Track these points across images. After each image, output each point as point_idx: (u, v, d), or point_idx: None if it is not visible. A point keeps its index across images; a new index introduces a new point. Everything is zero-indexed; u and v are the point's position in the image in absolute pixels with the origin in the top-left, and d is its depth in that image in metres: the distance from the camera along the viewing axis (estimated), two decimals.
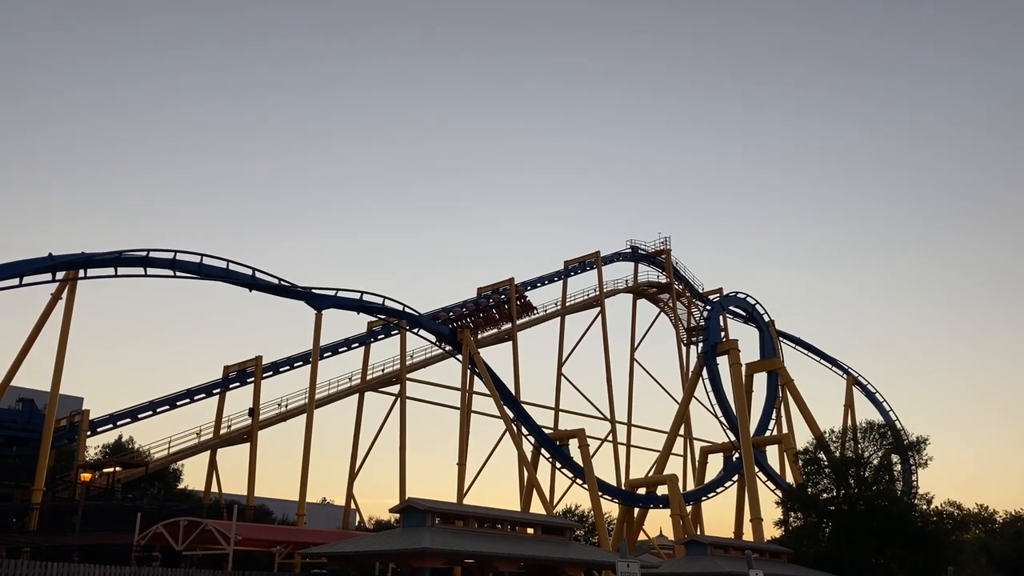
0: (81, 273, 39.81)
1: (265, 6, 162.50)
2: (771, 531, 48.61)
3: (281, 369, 50.66)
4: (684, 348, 72.09)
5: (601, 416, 64.86)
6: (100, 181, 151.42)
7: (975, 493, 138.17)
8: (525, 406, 55.71)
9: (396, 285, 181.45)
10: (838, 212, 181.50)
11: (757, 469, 54.79)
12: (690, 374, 63.82)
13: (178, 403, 46.55)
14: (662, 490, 53.21)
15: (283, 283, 45.43)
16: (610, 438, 65.08)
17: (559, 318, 65.33)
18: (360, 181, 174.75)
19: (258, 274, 44.64)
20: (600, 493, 51.43)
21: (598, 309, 67.09)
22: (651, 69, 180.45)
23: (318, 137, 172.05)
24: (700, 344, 61.42)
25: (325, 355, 50.69)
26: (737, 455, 55.98)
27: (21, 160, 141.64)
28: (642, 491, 55.22)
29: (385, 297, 49.92)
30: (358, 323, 54.31)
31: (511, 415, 53.03)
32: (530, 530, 33.69)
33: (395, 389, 54.56)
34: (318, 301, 46.54)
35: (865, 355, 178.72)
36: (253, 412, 47.25)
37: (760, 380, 65.06)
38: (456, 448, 52.52)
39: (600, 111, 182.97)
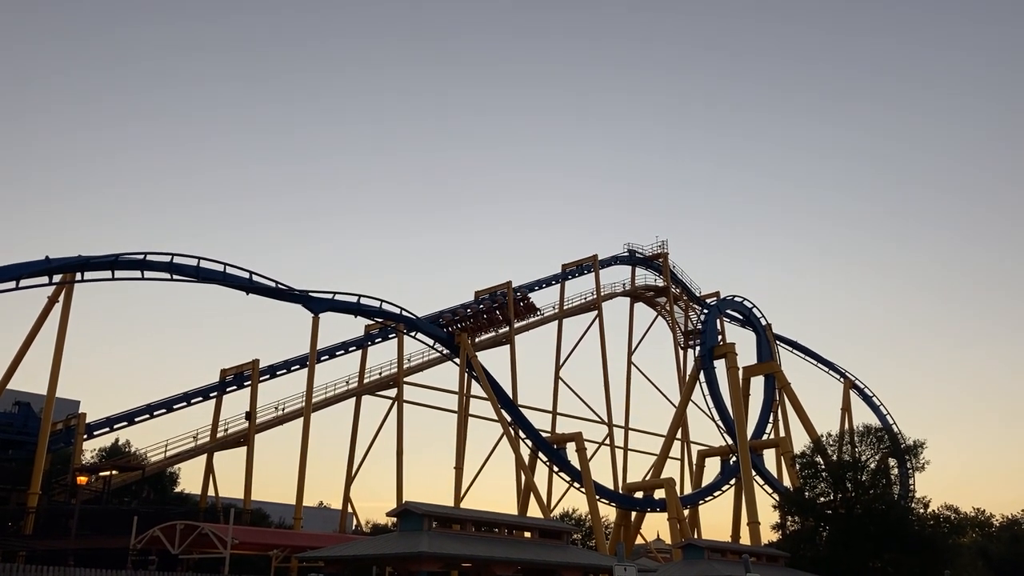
0: (78, 276, 39.78)
1: (260, 9, 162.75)
2: (768, 535, 48.66)
3: (278, 372, 50.57)
4: (681, 351, 72.12)
5: (598, 420, 64.95)
6: (98, 184, 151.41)
7: (972, 497, 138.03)
8: (523, 410, 55.76)
9: (393, 288, 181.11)
10: (835, 216, 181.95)
11: (754, 473, 54.84)
12: (687, 377, 63.81)
13: (175, 406, 46.40)
14: (659, 494, 53.25)
15: (280, 286, 45.43)
16: (607, 442, 65.15)
17: (556, 321, 65.42)
18: (358, 185, 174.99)
19: (255, 277, 44.66)
20: (597, 497, 51.44)
21: (595, 312, 67.17)
22: (648, 74, 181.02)
23: (316, 141, 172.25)
24: (697, 347, 61.42)
25: (322, 358, 50.70)
26: (734, 459, 56.00)
27: (19, 162, 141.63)
28: (639, 495, 55.24)
29: (382, 300, 50.04)
30: (355, 326, 54.27)
31: (508, 419, 53.05)
32: (527, 534, 33.69)
33: (392, 393, 54.54)
34: (315, 304, 46.56)
35: (862, 359, 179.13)
36: (250, 415, 47.14)
37: (757, 384, 65.08)
38: (453, 452, 52.60)
39: (598, 115, 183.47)
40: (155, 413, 45.55)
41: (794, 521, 44.63)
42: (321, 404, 50.55)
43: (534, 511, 51.36)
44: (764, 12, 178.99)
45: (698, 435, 69.28)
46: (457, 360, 54.38)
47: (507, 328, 59.98)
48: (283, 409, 49.04)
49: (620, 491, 57.39)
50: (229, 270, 43.80)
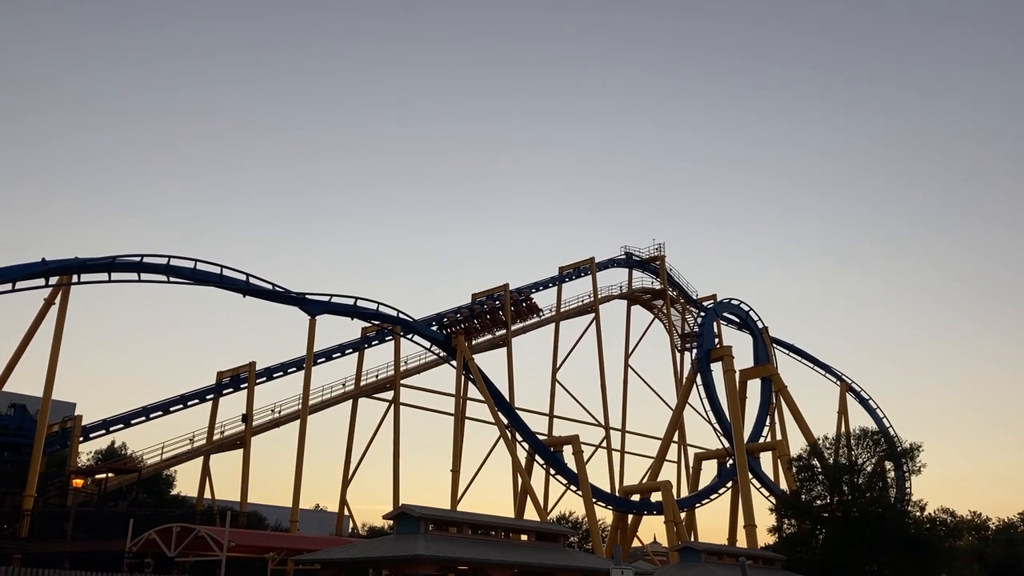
0: (75, 278, 39.76)
1: (259, 10, 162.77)
2: (765, 538, 48.65)
3: (275, 375, 50.55)
4: (678, 354, 72.22)
5: (595, 422, 64.97)
6: (94, 186, 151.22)
7: (968, 500, 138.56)
8: (519, 412, 55.72)
9: (390, 291, 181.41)
10: (833, 219, 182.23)
11: (751, 476, 54.80)
12: (684, 380, 63.85)
13: (171, 409, 46.35)
14: (656, 496, 53.22)
15: (277, 289, 45.42)
16: (604, 444, 65.15)
17: (553, 324, 65.43)
18: (355, 187, 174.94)
19: (252, 280, 44.66)
20: (594, 499, 51.43)
21: (592, 315, 67.20)
22: (645, 76, 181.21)
23: (313, 143, 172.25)
24: (694, 350, 61.42)
25: (319, 361, 50.69)
26: (731, 462, 56.03)
27: (16, 164, 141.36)
28: (636, 497, 55.21)
29: (379, 303, 50.06)
30: (352, 329, 54.29)
31: (505, 421, 53.03)
32: (524, 537, 33.71)
33: (389, 395, 54.46)
34: (312, 307, 46.58)
35: (859, 362, 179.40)
36: (246, 418, 47.12)
37: (754, 386, 65.09)
38: (450, 454, 52.57)
39: (595, 118, 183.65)
40: (151, 415, 45.49)
41: (791, 524, 44.67)
42: (318, 407, 50.54)
43: (531, 514, 51.38)
44: (762, 13, 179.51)
45: (695, 438, 69.48)
46: (454, 363, 54.37)
47: (504, 331, 60.01)
48: (280, 412, 49.07)
49: (617, 494, 57.34)
50: (226, 272, 43.80)
